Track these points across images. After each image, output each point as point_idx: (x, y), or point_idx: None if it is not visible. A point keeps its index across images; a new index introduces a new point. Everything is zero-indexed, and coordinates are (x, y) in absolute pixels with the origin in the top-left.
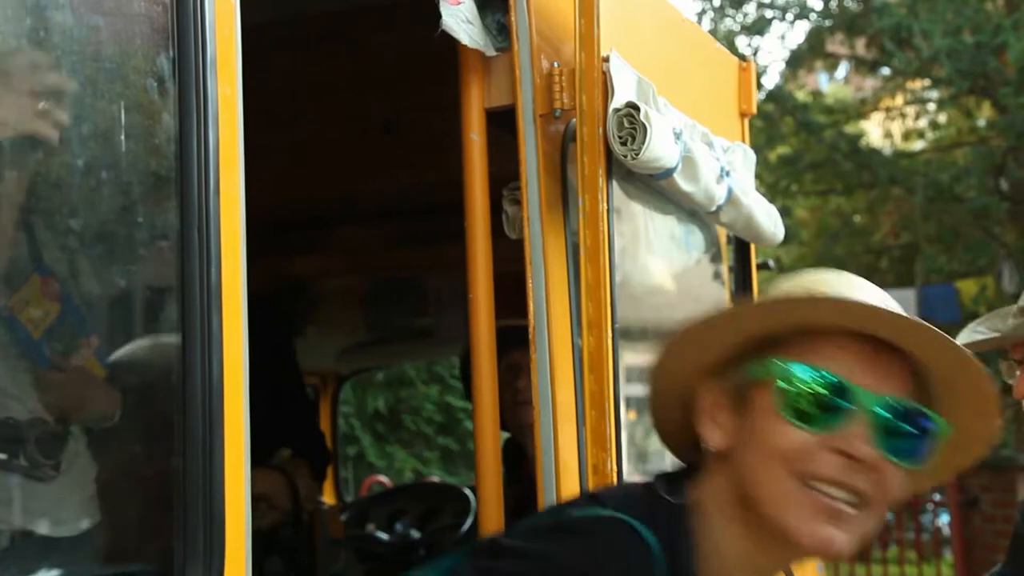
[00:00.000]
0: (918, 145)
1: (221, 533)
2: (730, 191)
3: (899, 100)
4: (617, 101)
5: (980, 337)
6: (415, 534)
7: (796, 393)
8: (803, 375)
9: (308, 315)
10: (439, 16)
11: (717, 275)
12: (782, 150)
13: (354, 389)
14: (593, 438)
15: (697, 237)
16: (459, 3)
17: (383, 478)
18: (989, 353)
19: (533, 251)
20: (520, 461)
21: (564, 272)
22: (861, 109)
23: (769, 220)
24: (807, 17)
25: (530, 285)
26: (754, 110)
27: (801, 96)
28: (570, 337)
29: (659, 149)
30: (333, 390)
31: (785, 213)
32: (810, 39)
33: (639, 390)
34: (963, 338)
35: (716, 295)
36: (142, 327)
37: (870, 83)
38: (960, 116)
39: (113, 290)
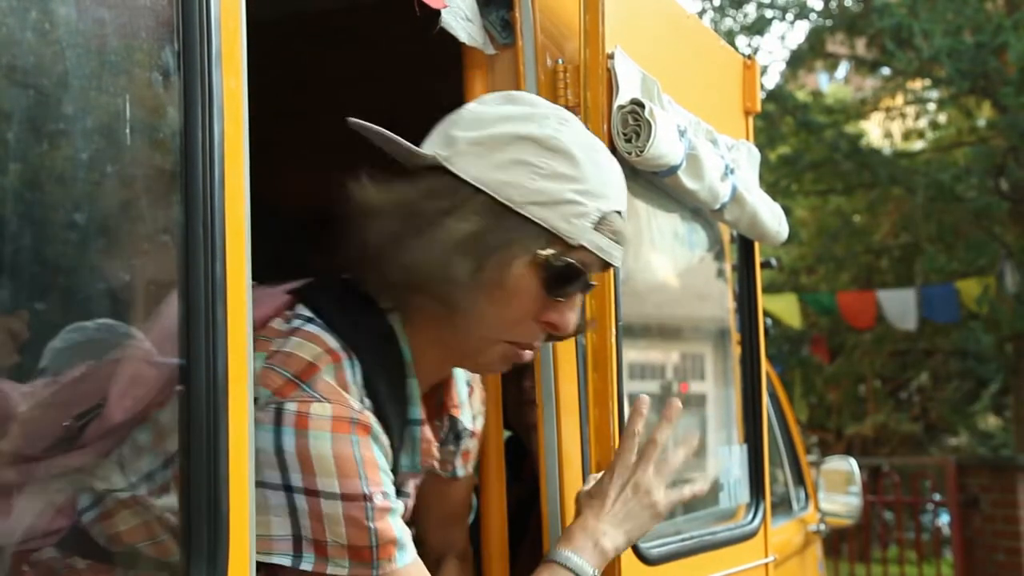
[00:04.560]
0: (918, 145)
1: (225, 531)
2: (734, 189)
3: (899, 100)
4: (621, 98)
5: None
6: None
7: None
8: None
9: None
10: (439, 13)
11: (721, 273)
12: (782, 150)
13: None
14: (597, 436)
15: (701, 235)
16: (447, 6)
17: None
18: None
19: None
20: (522, 459)
21: None
22: (861, 109)
23: (774, 218)
24: (807, 17)
25: None
26: (758, 108)
27: (801, 96)
28: None
29: (663, 146)
30: None
31: (785, 213)
32: (810, 39)
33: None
34: None
35: (720, 293)
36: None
37: (870, 83)
38: (960, 116)
39: (117, 284)
